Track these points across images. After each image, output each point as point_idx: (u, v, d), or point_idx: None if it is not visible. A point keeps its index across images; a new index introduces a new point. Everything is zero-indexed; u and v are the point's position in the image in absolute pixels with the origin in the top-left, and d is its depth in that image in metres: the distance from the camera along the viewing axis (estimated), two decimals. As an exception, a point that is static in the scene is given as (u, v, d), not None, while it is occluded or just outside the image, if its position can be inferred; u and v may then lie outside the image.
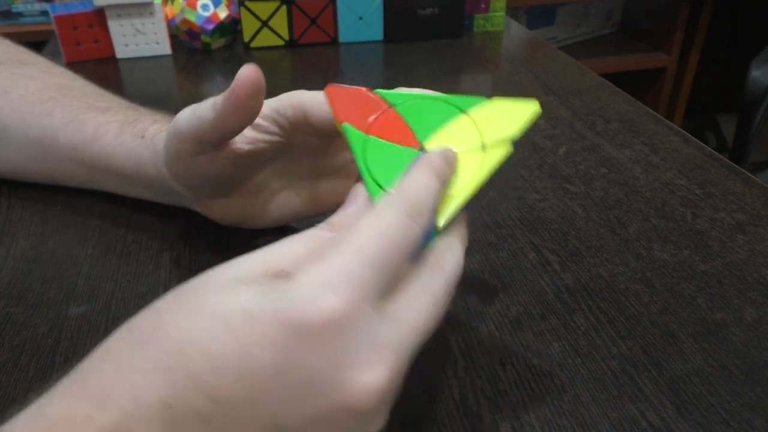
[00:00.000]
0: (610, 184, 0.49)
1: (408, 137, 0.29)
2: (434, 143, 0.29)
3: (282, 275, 0.23)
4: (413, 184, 0.25)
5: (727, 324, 0.36)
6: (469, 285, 0.39)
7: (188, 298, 0.23)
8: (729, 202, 0.47)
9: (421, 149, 0.29)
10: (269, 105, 0.34)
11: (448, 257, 0.25)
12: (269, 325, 0.21)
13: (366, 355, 0.21)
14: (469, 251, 0.42)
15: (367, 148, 0.29)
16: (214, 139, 0.33)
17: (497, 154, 0.28)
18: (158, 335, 0.22)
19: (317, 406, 0.21)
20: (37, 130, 0.44)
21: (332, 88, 0.31)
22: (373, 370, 0.21)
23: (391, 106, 0.30)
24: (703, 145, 0.55)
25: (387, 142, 0.29)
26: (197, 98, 0.39)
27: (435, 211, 0.25)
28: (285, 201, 0.40)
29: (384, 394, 0.22)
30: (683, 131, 0.57)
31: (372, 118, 0.30)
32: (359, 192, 0.27)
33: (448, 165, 0.27)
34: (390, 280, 0.23)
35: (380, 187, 0.27)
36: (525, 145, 0.56)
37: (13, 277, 0.40)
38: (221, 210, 0.40)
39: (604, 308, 0.37)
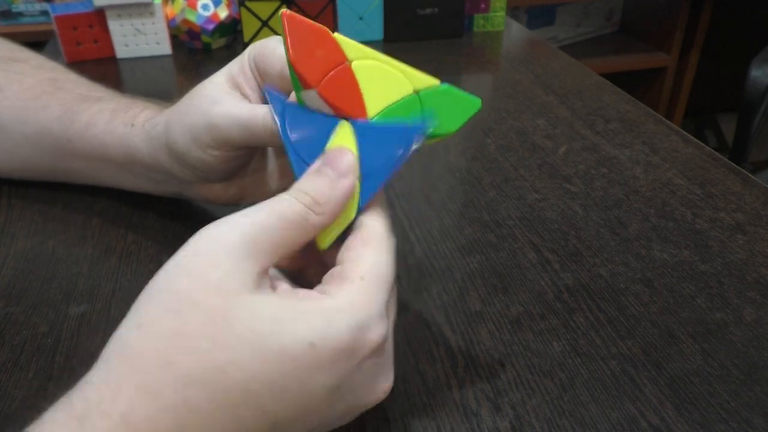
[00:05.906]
0: (610, 184, 0.49)
1: (356, 102, 0.29)
2: (380, 116, 0.29)
3: (277, 277, 0.27)
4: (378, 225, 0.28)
5: (726, 324, 0.36)
6: (470, 285, 0.39)
7: (219, 322, 0.22)
8: (729, 202, 0.47)
9: (367, 118, 0.29)
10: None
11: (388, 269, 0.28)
12: (330, 353, 0.24)
13: (387, 365, 0.27)
14: (469, 251, 0.42)
15: (287, 114, 0.29)
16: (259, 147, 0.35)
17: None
18: (216, 375, 0.22)
19: (349, 410, 0.26)
20: (33, 125, 0.43)
21: (290, 16, 0.28)
22: (389, 376, 0.27)
23: (348, 60, 0.29)
24: (703, 145, 0.55)
25: (306, 109, 0.29)
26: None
27: None
28: (284, 168, 0.40)
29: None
30: (683, 131, 0.57)
31: (328, 73, 0.28)
32: (335, 159, 0.28)
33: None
34: None
35: (304, 161, 0.28)
36: (525, 144, 0.56)
37: (13, 277, 0.40)
38: (221, 189, 0.40)
39: (604, 308, 0.37)
